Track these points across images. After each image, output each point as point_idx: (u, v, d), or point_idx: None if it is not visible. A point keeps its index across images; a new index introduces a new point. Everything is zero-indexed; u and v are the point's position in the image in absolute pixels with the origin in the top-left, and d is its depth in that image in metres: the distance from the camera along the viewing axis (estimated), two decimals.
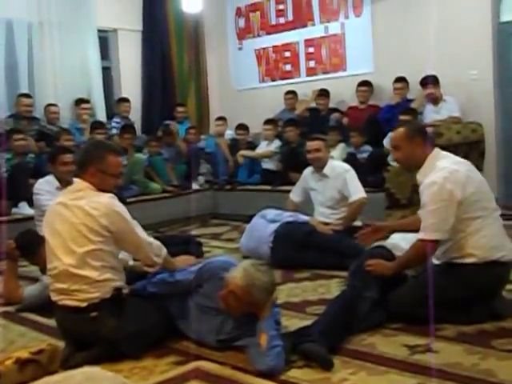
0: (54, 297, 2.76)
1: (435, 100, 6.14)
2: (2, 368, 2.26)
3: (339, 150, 6.29)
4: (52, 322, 3.10)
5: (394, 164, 5.74)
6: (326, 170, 4.66)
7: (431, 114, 6.06)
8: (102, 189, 2.79)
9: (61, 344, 2.79)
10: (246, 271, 2.62)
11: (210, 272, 2.85)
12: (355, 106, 6.99)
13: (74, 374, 1.47)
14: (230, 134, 7.76)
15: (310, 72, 7.74)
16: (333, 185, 4.62)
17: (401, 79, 6.50)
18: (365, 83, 6.87)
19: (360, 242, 3.53)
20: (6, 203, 5.49)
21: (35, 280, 3.87)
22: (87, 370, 1.51)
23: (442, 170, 2.91)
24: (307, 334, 2.64)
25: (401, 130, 3.13)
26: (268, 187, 6.69)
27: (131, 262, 3.27)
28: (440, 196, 2.85)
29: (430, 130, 5.62)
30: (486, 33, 6.08)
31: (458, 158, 3.09)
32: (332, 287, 3.74)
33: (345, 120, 6.94)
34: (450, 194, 2.84)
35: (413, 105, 6.23)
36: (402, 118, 5.61)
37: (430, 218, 2.88)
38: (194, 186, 7.22)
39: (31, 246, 3.60)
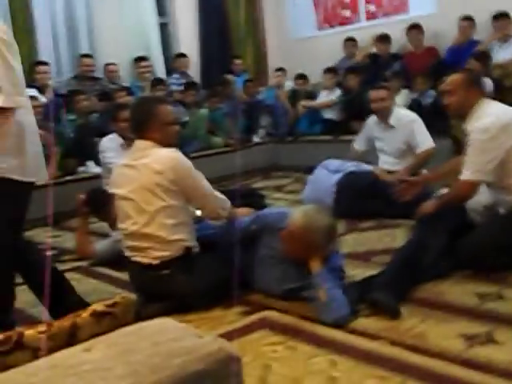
0: (127, 253, 2.85)
1: (504, 35, 5.85)
2: (79, 320, 2.37)
3: (402, 97, 6.10)
4: (124, 276, 3.21)
5: None
6: (391, 121, 4.51)
7: (499, 53, 5.78)
8: (166, 142, 2.83)
9: (133, 296, 2.89)
10: (306, 213, 2.65)
11: (269, 224, 2.88)
12: (411, 52, 6.74)
13: (146, 325, 1.52)
14: (289, 84, 7.67)
15: (370, 16, 7.49)
16: (399, 135, 4.47)
17: (467, 18, 6.21)
18: (414, 27, 6.62)
19: (399, 199, 3.46)
20: (73, 162, 5.67)
21: (105, 236, 4.00)
22: (159, 321, 1.55)
23: (491, 115, 2.90)
24: (373, 284, 2.64)
25: (459, 76, 3.15)
26: (330, 137, 6.61)
27: (198, 213, 3.29)
28: (487, 139, 2.84)
29: (498, 71, 5.42)
30: None
31: (505, 106, 3.08)
32: (397, 236, 3.69)
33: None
34: (497, 138, 2.83)
35: (480, 47, 5.96)
36: (473, 62, 5.42)
37: (473, 160, 2.89)
38: (255, 139, 7.22)
39: (100, 203, 3.70)
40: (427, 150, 4.39)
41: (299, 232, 2.60)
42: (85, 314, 2.40)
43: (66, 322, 2.35)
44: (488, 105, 3.02)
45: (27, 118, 2.43)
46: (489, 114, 2.93)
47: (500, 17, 5.84)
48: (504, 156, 2.85)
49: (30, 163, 2.41)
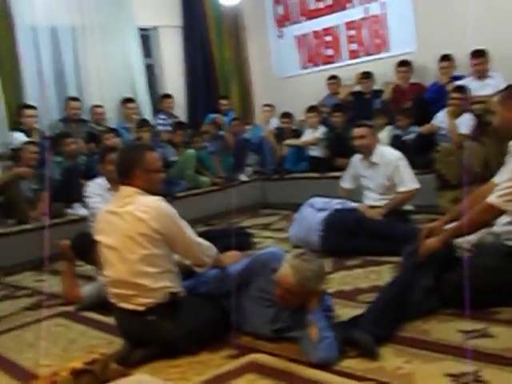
0: (112, 299, 2.83)
1: (481, 73, 5.96)
2: (58, 379, 2.36)
3: (386, 133, 6.19)
4: (111, 320, 3.18)
5: (444, 144, 5.63)
6: (374, 158, 4.59)
7: (477, 90, 5.88)
8: (150, 189, 2.83)
9: (119, 341, 2.87)
10: (294, 267, 2.63)
11: (260, 265, 2.89)
12: (398, 86, 6.84)
13: (126, 382, 1.51)
14: (275, 122, 7.76)
15: (353, 55, 7.63)
16: (383, 172, 4.54)
17: (446, 57, 6.30)
18: (404, 63, 6.71)
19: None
20: (60, 205, 5.65)
21: (92, 279, 3.97)
22: (139, 377, 1.55)
23: None
24: (359, 323, 2.64)
25: (498, 94, 2.98)
26: (315, 174, 6.67)
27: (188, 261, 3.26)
28: None
29: (478, 106, 5.52)
30: None
31: None
32: (384, 273, 3.70)
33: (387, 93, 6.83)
34: None
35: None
36: (454, 94, 5.53)
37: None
38: (243, 178, 7.26)
39: (86, 247, 3.68)
40: (411, 190, 4.46)
41: (293, 288, 2.60)
42: (64, 373, 2.38)
43: (45, 381, 2.33)
44: None
45: None
46: None
47: (477, 54, 5.96)
48: None
49: None
